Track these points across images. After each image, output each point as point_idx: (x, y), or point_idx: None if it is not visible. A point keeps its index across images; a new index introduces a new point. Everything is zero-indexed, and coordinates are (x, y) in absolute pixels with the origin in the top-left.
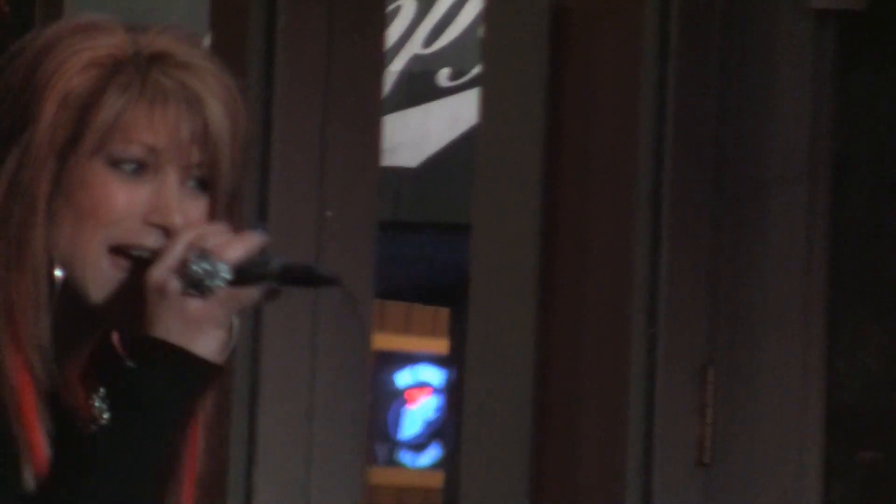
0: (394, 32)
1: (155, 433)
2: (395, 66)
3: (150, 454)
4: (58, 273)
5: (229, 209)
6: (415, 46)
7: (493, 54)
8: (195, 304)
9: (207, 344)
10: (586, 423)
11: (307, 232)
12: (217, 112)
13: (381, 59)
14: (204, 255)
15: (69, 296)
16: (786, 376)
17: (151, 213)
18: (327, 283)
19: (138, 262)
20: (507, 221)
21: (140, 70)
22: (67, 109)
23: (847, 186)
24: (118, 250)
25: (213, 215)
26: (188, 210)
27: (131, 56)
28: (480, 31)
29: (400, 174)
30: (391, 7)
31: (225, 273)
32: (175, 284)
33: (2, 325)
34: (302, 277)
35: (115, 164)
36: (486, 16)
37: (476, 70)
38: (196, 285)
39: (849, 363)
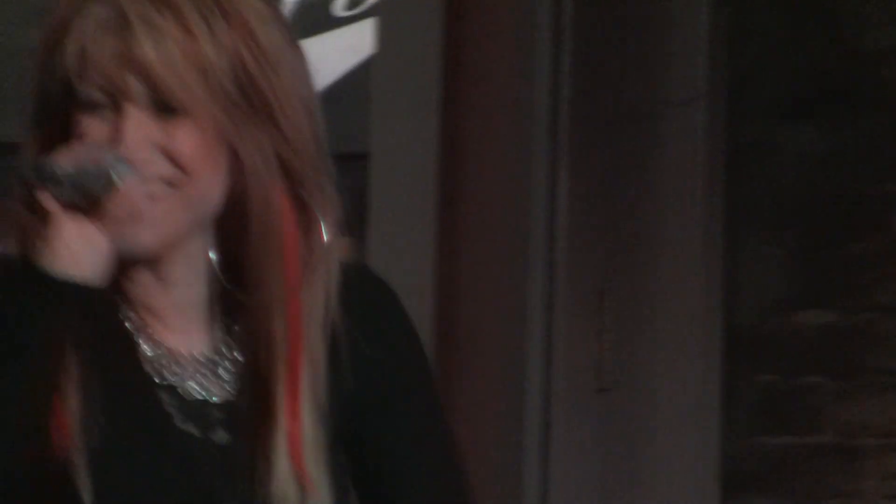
0: None
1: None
2: None
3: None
4: None
5: (237, 122)
6: None
7: None
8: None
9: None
10: (486, 349)
11: None
12: (144, 34)
13: None
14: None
15: None
16: (684, 299)
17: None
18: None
19: None
20: (405, 150)
21: (78, 6)
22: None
23: (743, 108)
24: None
25: (206, 132)
26: (150, 133)
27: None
28: None
29: None
30: None
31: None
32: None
33: None
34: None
35: (85, 107)
36: None
37: None
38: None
39: (747, 284)
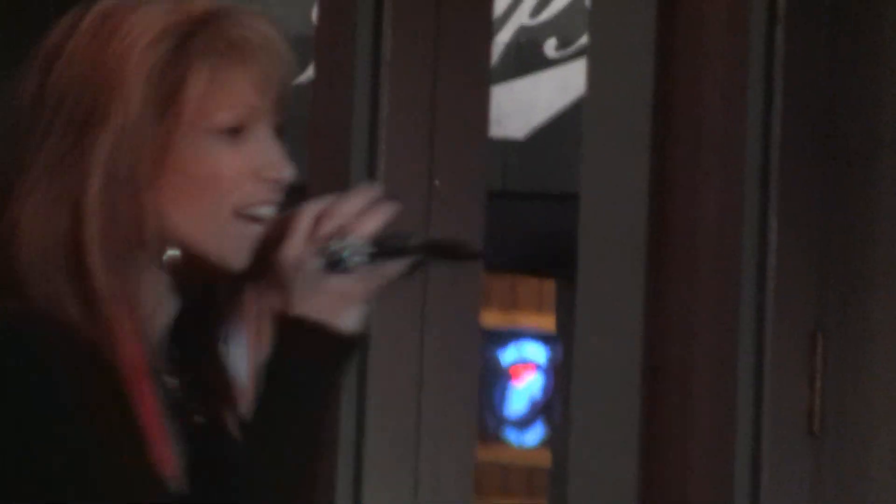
0: (500, 3)
1: (302, 413)
2: (503, 37)
3: (298, 435)
4: (172, 253)
5: None
6: (522, 17)
7: (600, 24)
8: (336, 282)
9: (349, 320)
10: (696, 394)
11: (416, 201)
12: (287, 52)
13: (489, 29)
14: (342, 231)
15: (176, 273)
16: None
17: (263, 169)
18: (471, 258)
19: (268, 224)
20: (616, 191)
21: (212, 29)
22: (155, 85)
23: None
24: (245, 214)
25: None
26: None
27: (194, 19)
28: (587, 1)
29: (507, 144)
30: None
31: (366, 249)
32: (314, 263)
33: (124, 315)
34: (446, 251)
35: (220, 130)
36: None
37: (582, 40)
38: (336, 263)
39: None
